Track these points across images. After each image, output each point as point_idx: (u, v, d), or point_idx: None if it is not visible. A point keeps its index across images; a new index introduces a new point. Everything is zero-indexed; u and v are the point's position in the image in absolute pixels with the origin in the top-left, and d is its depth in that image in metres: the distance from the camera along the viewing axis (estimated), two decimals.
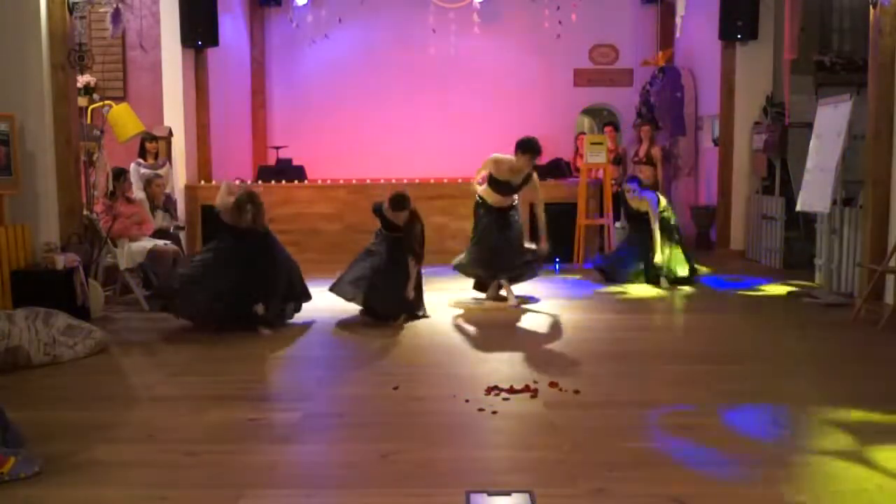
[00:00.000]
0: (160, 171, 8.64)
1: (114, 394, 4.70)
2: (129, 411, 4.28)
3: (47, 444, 3.64)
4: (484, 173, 7.26)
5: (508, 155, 7.04)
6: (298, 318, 6.49)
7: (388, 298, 6.43)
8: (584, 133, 12.30)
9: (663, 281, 8.14)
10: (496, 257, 7.14)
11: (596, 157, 9.65)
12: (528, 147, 6.96)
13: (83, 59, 7.02)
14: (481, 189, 7.25)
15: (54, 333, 5.23)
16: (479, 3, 11.32)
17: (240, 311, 6.06)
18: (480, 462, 3.46)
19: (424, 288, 6.79)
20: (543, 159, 12.10)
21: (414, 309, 6.59)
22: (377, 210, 6.62)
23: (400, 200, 6.42)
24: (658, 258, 8.10)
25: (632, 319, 6.65)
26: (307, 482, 3.32)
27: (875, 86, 6.79)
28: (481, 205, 7.24)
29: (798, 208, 8.19)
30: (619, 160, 10.95)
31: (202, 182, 10.20)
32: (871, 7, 6.77)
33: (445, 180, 10.33)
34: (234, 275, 6.01)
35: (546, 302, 7.31)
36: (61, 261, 6.41)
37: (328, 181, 10.64)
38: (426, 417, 4.06)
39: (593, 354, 5.41)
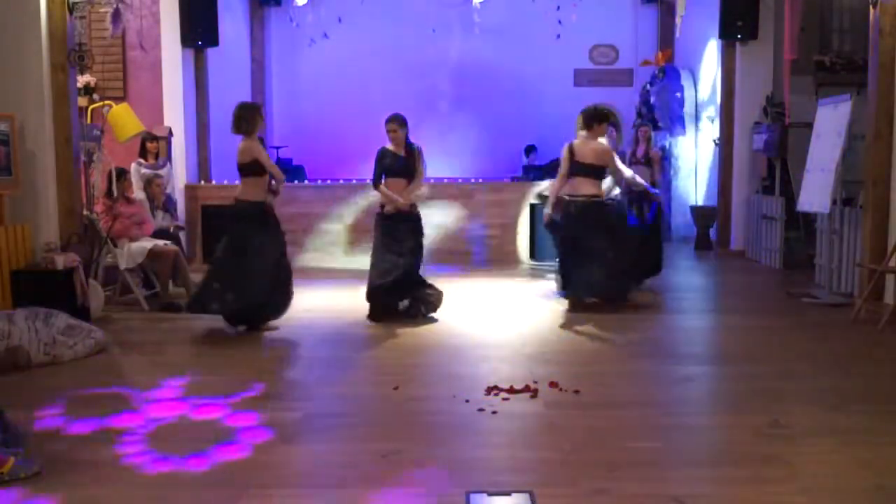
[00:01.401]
0: (160, 171, 8.62)
1: (113, 394, 4.70)
2: (128, 411, 4.28)
3: (47, 444, 3.65)
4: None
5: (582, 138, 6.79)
6: (297, 318, 6.49)
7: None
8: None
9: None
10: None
11: None
12: (603, 115, 6.78)
13: (83, 59, 7.02)
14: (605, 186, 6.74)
15: (54, 333, 5.23)
16: (479, 3, 11.32)
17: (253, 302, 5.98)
18: (480, 462, 3.47)
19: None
20: (544, 159, 12.19)
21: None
22: (379, 157, 6.50)
23: (395, 114, 6.53)
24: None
25: (632, 319, 6.64)
26: (307, 482, 3.33)
27: (875, 86, 6.80)
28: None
29: (798, 208, 8.19)
30: None
31: (202, 182, 10.19)
32: (871, 7, 6.77)
33: (445, 180, 10.33)
34: (244, 263, 5.93)
35: (545, 302, 7.31)
36: (61, 261, 6.40)
37: (328, 181, 10.64)
38: (426, 417, 4.07)
39: (593, 354, 5.42)
